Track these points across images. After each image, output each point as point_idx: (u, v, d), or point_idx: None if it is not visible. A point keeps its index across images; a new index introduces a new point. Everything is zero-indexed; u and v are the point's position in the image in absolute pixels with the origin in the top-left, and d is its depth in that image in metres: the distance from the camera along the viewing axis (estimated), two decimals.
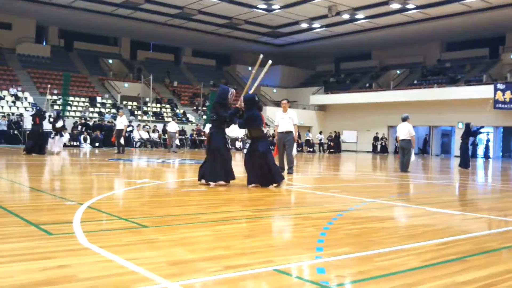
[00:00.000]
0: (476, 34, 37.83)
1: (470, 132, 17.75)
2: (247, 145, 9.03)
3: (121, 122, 20.45)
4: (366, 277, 3.12)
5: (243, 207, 6.28)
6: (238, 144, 33.59)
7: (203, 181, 8.56)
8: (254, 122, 8.67)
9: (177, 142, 26.37)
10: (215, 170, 8.45)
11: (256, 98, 9.02)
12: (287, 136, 11.77)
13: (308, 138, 36.62)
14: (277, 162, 10.98)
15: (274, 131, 12.23)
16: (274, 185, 8.60)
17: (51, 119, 18.75)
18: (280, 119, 11.95)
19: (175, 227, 4.66)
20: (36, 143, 17.36)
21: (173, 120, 27.42)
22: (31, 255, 3.39)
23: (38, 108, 19.78)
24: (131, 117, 32.27)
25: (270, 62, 9.09)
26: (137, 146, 29.42)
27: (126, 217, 5.05)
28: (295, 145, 12.02)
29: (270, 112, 35.60)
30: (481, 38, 38.95)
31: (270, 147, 8.88)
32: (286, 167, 11.86)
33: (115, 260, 3.32)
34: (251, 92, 8.99)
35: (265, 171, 8.53)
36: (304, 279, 3.11)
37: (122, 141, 20.51)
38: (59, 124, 18.65)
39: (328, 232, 4.56)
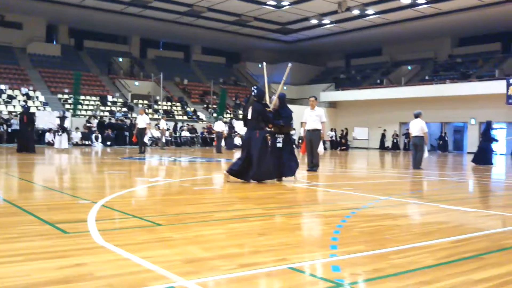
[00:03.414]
0: (488, 28, 37.47)
1: (489, 133, 17.64)
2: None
3: (143, 121, 19.67)
4: (381, 275, 3.11)
5: (256, 205, 6.28)
6: None
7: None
8: (290, 120, 9.32)
9: (163, 140, 27.20)
10: (270, 169, 8.80)
11: None
12: (313, 133, 11.76)
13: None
14: (306, 160, 12.06)
15: (302, 127, 12.25)
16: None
17: (58, 117, 19.13)
18: (308, 117, 11.89)
19: (189, 225, 4.67)
20: (23, 141, 17.48)
21: (162, 117, 27.74)
22: (47, 254, 3.42)
23: (25, 107, 19.75)
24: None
25: (289, 65, 9.52)
26: (148, 144, 29.51)
27: (140, 215, 5.08)
28: (321, 143, 11.94)
29: None
30: (493, 32, 38.54)
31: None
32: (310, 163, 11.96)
33: (131, 258, 3.34)
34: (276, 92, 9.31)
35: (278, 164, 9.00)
36: (319, 277, 3.10)
37: (146, 139, 19.98)
38: (66, 123, 19.14)
39: (342, 230, 4.54)
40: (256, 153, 8.63)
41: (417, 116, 14.43)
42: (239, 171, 8.71)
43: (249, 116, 8.79)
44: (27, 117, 17.80)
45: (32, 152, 17.30)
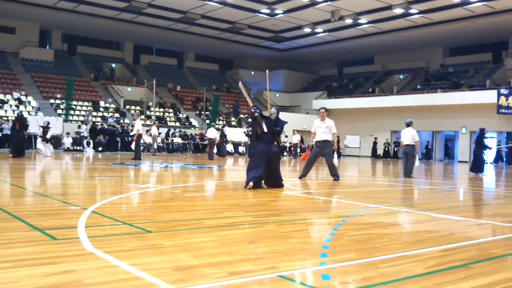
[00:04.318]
0: (479, 39, 37.85)
1: (482, 140, 17.67)
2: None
3: (135, 127, 19.28)
4: (370, 284, 3.12)
5: (246, 213, 6.28)
6: (241, 149, 33.62)
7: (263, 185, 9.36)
8: (282, 131, 10.04)
9: (155, 146, 27.12)
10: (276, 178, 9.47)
11: None
12: (325, 145, 11.71)
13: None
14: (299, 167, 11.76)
15: (312, 138, 12.31)
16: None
17: (41, 127, 19.39)
18: (317, 128, 11.82)
19: (179, 232, 4.66)
20: (16, 147, 17.96)
21: (154, 124, 27.73)
22: (36, 260, 3.40)
23: (19, 114, 20.04)
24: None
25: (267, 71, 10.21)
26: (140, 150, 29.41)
27: (130, 222, 5.06)
28: (335, 153, 11.84)
29: None
30: (484, 43, 38.97)
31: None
32: (304, 174, 11.99)
33: (120, 265, 3.33)
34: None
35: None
36: (308, 285, 3.11)
37: (132, 146, 19.66)
38: (49, 133, 19.47)
39: (332, 238, 4.56)
40: (273, 165, 9.24)
41: (408, 124, 14.50)
42: (261, 179, 9.20)
43: (265, 130, 9.21)
44: (19, 124, 18.15)
45: (22, 156, 17.78)
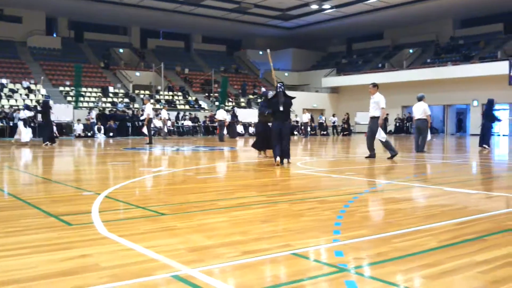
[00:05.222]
0: (490, 9, 37.13)
1: (491, 112, 17.10)
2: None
3: (145, 111, 19.36)
4: (384, 259, 3.12)
5: (258, 193, 6.29)
6: (252, 129, 33.59)
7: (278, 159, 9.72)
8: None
9: (165, 129, 27.26)
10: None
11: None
12: (372, 121, 11.58)
13: (321, 121, 36.55)
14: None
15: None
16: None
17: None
18: (370, 104, 11.71)
19: (193, 214, 4.69)
20: (52, 134, 18.43)
21: (163, 107, 27.78)
22: (52, 246, 3.44)
23: (46, 99, 19.48)
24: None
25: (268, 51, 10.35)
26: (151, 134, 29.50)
27: (143, 205, 5.10)
28: (379, 130, 11.44)
29: None
30: (494, 13, 38.20)
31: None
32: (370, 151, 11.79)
33: (135, 248, 3.36)
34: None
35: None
36: (322, 262, 3.12)
37: (144, 130, 20.11)
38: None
39: (345, 215, 4.56)
40: (285, 139, 9.81)
41: (420, 99, 14.38)
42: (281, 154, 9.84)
43: (281, 109, 9.72)
44: (51, 109, 18.40)
45: (54, 142, 18.27)
